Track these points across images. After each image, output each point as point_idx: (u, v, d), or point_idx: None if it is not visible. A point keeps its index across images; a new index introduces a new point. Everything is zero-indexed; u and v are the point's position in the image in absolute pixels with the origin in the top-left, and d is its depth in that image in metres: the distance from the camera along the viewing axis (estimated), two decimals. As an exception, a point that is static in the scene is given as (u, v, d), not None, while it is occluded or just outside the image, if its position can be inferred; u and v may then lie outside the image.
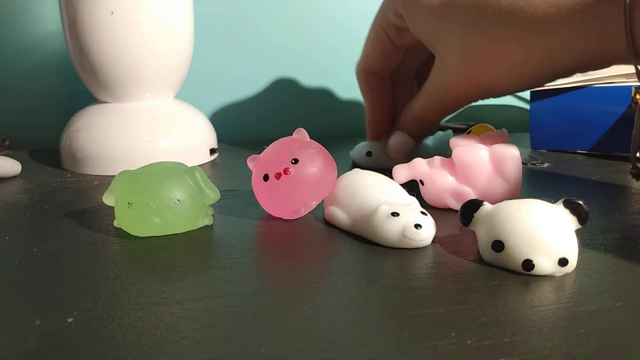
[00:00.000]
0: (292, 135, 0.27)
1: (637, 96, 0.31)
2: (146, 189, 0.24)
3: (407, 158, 0.36)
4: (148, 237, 0.24)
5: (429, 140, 0.39)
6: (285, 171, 0.25)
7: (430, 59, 0.36)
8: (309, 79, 0.56)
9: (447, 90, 0.32)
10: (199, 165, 0.38)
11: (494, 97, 0.32)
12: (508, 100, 0.61)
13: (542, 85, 0.31)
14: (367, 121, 0.40)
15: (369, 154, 0.38)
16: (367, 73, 0.38)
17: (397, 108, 0.39)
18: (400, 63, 0.38)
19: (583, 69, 0.30)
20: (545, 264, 0.20)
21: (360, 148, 0.39)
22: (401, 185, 0.26)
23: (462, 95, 0.32)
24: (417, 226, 0.22)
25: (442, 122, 0.60)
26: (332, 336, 0.16)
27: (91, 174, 0.38)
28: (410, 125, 0.36)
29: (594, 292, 0.19)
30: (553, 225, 0.20)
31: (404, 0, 0.33)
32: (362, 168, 0.37)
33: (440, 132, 0.39)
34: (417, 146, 0.37)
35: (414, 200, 0.24)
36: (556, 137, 0.45)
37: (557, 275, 0.20)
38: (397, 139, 0.36)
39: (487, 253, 0.21)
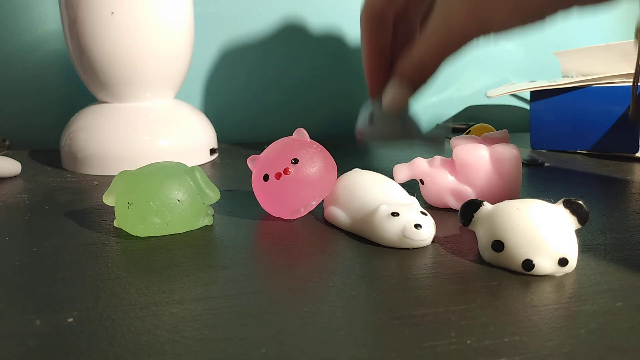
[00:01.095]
0: (292, 135, 0.27)
1: None
2: (146, 189, 0.24)
3: (402, 119, 0.35)
4: (148, 237, 0.24)
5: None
6: (285, 171, 0.25)
7: (430, 8, 0.35)
8: (310, 79, 0.56)
9: (448, 26, 0.31)
10: (199, 165, 0.38)
11: (495, 31, 0.31)
12: (508, 100, 0.61)
13: (544, 19, 0.31)
14: (366, 72, 0.39)
15: (371, 118, 0.37)
16: (369, 18, 0.37)
17: (395, 61, 0.38)
18: (403, 10, 0.37)
19: (586, 0, 0.29)
20: (545, 264, 0.20)
21: (363, 114, 0.38)
22: (401, 185, 0.26)
23: (464, 31, 0.31)
24: (417, 226, 0.22)
25: (442, 122, 0.60)
26: (332, 336, 0.16)
27: (91, 174, 0.38)
28: (409, 72, 0.34)
29: (594, 292, 0.19)
30: (553, 225, 0.20)
31: None
32: (369, 136, 0.36)
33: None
34: (410, 121, 0.36)
35: (414, 200, 0.24)
36: (556, 137, 0.45)
37: (557, 275, 0.20)
38: (394, 90, 0.34)
39: (487, 253, 0.21)
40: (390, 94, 0.35)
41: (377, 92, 0.38)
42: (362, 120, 0.37)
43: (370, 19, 0.38)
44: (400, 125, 0.35)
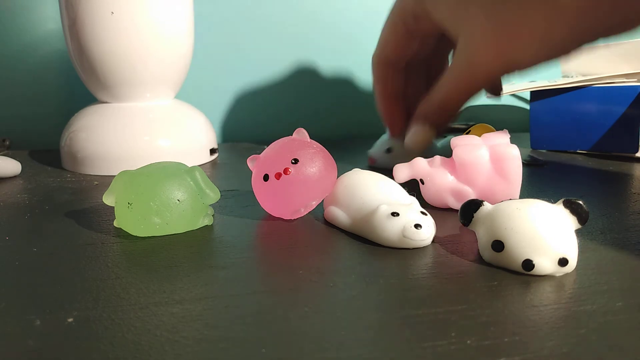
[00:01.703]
0: (292, 135, 0.27)
1: None
2: (146, 189, 0.24)
3: (426, 153, 0.35)
4: (148, 237, 0.24)
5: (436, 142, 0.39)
6: (285, 171, 0.25)
7: (439, 51, 0.35)
8: (310, 79, 0.56)
9: (474, 68, 0.31)
10: (199, 165, 0.38)
11: (521, 69, 0.31)
12: (508, 100, 0.61)
13: (569, 54, 0.31)
14: (382, 115, 0.39)
15: (388, 150, 0.37)
16: (382, 64, 0.38)
17: (409, 101, 0.39)
18: (415, 55, 0.38)
19: (610, 32, 0.28)
20: (545, 264, 0.20)
21: (380, 144, 0.38)
22: (401, 185, 0.26)
23: (490, 72, 0.31)
24: (417, 226, 0.22)
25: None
26: (332, 336, 0.16)
27: (91, 174, 0.38)
28: (432, 114, 0.35)
29: (594, 292, 0.19)
30: (553, 225, 0.20)
31: None
32: (383, 166, 0.37)
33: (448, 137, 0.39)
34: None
35: (414, 200, 0.24)
36: (556, 137, 0.45)
37: (557, 275, 0.20)
38: (418, 132, 0.34)
39: (487, 253, 0.21)
40: (413, 137, 0.35)
41: (397, 133, 0.39)
42: (379, 149, 0.38)
43: (382, 65, 0.38)
44: None
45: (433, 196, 0.28)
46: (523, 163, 0.28)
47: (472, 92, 0.33)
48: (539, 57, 0.30)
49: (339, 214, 0.25)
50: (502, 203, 0.21)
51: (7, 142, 0.46)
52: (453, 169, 0.27)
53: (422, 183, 0.28)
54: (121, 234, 0.25)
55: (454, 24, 0.32)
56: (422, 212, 0.23)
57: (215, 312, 0.17)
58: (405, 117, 0.39)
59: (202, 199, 0.25)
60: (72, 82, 0.49)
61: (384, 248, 0.23)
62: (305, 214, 0.26)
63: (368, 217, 0.23)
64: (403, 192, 0.25)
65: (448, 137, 0.39)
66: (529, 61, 0.30)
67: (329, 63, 0.56)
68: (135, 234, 0.24)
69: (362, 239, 0.24)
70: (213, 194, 0.25)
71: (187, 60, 0.42)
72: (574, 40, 0.29)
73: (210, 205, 0.26)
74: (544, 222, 0.20)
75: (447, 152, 0.30)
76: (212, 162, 0.42)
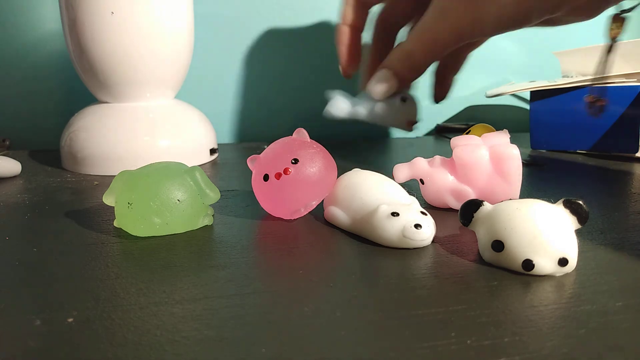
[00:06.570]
0: (292, 135, 0.27)
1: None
2: (146, 189, 0.24)
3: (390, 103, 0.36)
4: (148, 237, 0.24)
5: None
6: (285, 171, 0.25)
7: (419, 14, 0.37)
8: (310, 79, 0.56)
9: (442, 22, 0.32)
10: (199, 165, 0.38)
11: (486, 31, 0.32)
12: (508, 100, 0.61)
13: (532, 22, 0.31)
14: (341, 49, 0.40)
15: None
16: (343, 25, 0.40)
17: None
18: (386, 19, 0.39)
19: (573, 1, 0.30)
20: (545, 264, 0.20)
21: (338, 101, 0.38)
22: (401, 185, 0.26)
23: (457, 27, 0.32)
24: (417, 226, 0.22)
25: (442, 122, 0.60)
26: (332, 336, 0.16)
27: (91, 174, 0.38)
28: (398, 63, 0.35)
29: (594, 292, 0.19)
30: (553, 225, 0.20)
31: None
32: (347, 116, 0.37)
33: None
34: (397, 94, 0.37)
35: (414, 200, 0.24)
36: (556, 137, 0.45)
37: (557, 275, 0.20)
38: (380, 78, 0.35)
39: (487, 253, 0.21)
40: (375, 82, 0.36)
41: (349, 70, 0.40)
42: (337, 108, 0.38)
43: (343, 27, 0.39)
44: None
45: (433, 196, 0.28)
46: (523, 163, 0.28)
47: (439, 47, 0.33)
48: (502, 19, 0.31)
49: (339, 214, 0.25)
50: (502, 203, 0.21)
51: (7, 142, 0.46)
52: (453, 169, 0.27)
53: (422, 183, 0.28)
54: (121, 234, 0.25)
55: None
56: (422, 212, 0.23)
57: (215, 312, 0.17)
58: (359, 58, 0.40)
59: (202, 199, 0.25)
60: (72, 82, 0.49)
61: (384, 248, 0.23)
62: (305, 214, 0.26)
63: (368, 217, 0.23)
64: (403, 192, 0.25)
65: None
66: (494, 22, 0.31)
67: (330, 63, 0.56)
68: (135, 234, 0.24)
69: (362, 239, 0.24)
70: (213, 194, 0.25)
71: (187, 60, 0.42)
72: (535, 12, 0.30)
73: (210, 205, 0.26)
74: (544, 222, 0.20)
75: (447, 152, 0.30)
76: (212, 162, 0.42)
